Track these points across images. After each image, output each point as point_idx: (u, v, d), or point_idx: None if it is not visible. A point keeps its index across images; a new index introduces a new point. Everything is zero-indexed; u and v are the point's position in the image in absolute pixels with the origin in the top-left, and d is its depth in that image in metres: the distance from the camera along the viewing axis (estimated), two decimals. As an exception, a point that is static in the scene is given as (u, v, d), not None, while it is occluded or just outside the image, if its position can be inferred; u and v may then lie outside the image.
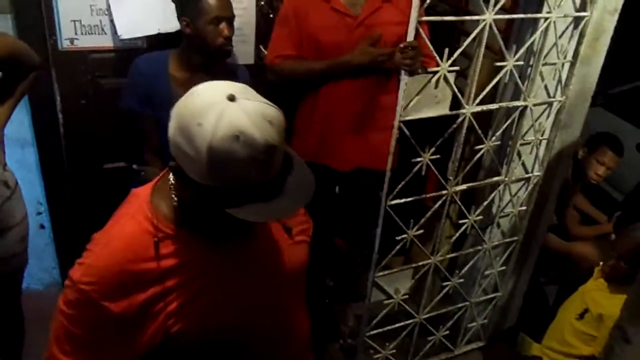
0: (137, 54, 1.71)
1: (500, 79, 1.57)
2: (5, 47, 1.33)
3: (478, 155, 1.69)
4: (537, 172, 1.85)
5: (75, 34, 1.80)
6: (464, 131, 1.58)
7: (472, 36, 1.43)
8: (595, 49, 1.67)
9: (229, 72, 1.67)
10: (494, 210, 1.89)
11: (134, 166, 1.89)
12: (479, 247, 1.90)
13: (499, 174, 1.79)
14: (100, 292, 0.78)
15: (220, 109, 0.70)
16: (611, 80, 3.04)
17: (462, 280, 1.90)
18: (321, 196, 1.97)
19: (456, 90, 1.49)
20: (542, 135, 1.78)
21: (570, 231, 2.38)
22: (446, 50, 1.42)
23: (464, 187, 1.71)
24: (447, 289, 1.89)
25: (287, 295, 0.98)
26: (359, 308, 1.97)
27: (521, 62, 1.59)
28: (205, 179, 0.72)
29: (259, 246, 0.90)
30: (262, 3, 1.94)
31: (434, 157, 1.54)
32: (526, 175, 1.85)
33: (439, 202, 1.66)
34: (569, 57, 1.66)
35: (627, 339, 1.10)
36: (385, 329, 1.84)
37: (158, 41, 1.80)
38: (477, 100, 1.55)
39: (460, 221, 1.79)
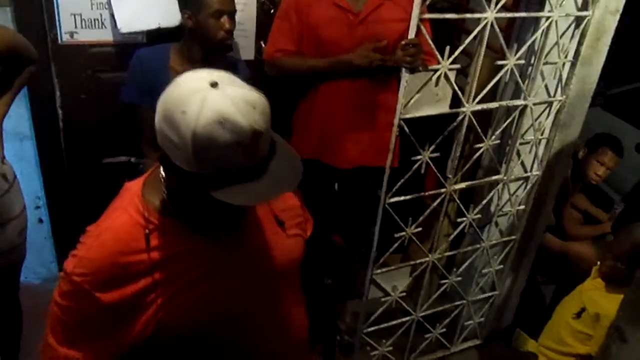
0: (137, 48, 1.71)
1: (500, 77, 1.57)
2: (5, 40, 1.33)
3: (477, 154, 1.69)
4: (536, 172, 1.85)
5: (75, 27, 1.80)
6: (464, 130, 1.58)
7: (473, 34, 1.43)
8: (596, 49, 1.67)
9: (230, 66, 1.67)
10: (492, 209, 1.89)
11: (132, 159, 1.90)
12: (477, 246, 1.91)
13: (498, 173, 1.79)
14: (92, 283, 0.80)
15: (203, 96, 0.70)
16: (610, 81, 3.04)
17: (459, 278, 1.91)
18: (320, 193, 1.99)
19: (457, 88, 1.49)
20: (541, 135, 1.78)
21: (568, 231, 2.38)
22: (447, 48, 1.41)
23: (463, 185, 1.71)
24: (444, 287, 1.90)
25: (280, 288, 0.98)
26: (356, 305, 1.97)
27: (522, 61, 1.59)
28: (191, 166, 0.72)
29: (250, 239, 0.91)
30: (263, -2, 1.94)
31: (434, 155, 1.54)
32: (525, 175, 1.85)
33: (438, 200, 1.66)
34: (570, 56, 1.66)
35: (624, 338, 1.11)
36: (382, 326, 1.84)
37: (158, 36, 1.80)
38: (478, 99, 1.54)
39: (459, 219, 1.79)
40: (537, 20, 1.58)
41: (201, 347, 0.90)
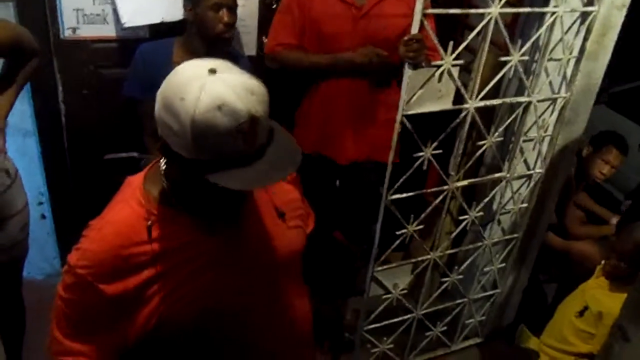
0: (139, 44, 1.71)
1: (504, 74, 1.55)
2: (7, 33, 1.33)
3: (480, 151, 1.67)
4: (539, 169, 1.84)
5: (78, 23, 1.80)
6: (466, 126, 1.57)
7: (477, 30, 1.42)
8: (601, 45, 1.65)
9: (232, 60, 1.66)
10: (494, 206, 1.88)
11: (135, 154, 1.90)
12: (479, 244, 1.90)
13: (500, 171, 1.78)
14: (95, 275, 0.80)
15: (201, 83, 0.71)
16: (615, 78, 3.01)
17: (461, 276, 1.90)
18: (321, 189, 1.98)
19: (460, 84, 1.48)
20: (545, 132, 1.77)
21: (571, 230, 2.37)
22: (450, 44, 1.40)
23: (465, 182, 1.70)
24: (445, 285, 1.89)
25: (281, 279, 0.98)
26: (357, 302, 1.97)
27: (526, 57, 1.57)
28: (191, 152, 0.73)
29: (251, 230, 0.91)
30: (265, -6, 1.93)
31: (436, 152, 1.53)
32: (528, 172, 1.84)
33: (440, 198, 1.65)
34: (575, 52, 1.64)
35: (627, 337, 1.10)
36: (383, 323, 1.84)
37: (160, 31, 1.79)
38: (481, 96, 1.53)
39: (461, 217, 1.78)
40: (541, 15, 1.56)
41: (203, 340, 0.90)
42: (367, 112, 1.79)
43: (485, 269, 1.98)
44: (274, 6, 1.93)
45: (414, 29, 1.36)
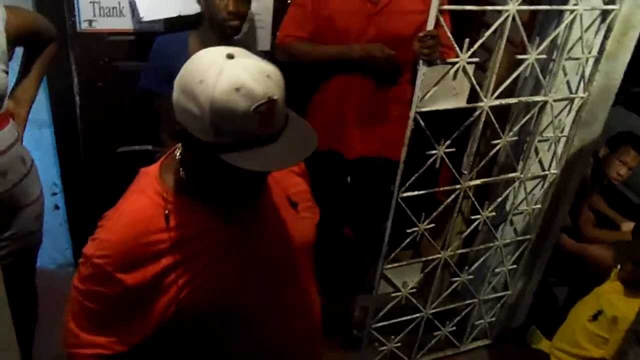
0: (155, 37, 1.71)
1: (520, 72, 1.53)
2: (23, 19, 1.34)
3: (494, 151, 1.65)
4: (554, 170, 1.81)
5: (94, 15, 1.81)
6: (480, 125, 1.55)
7: (493, 27, 1.40)
8: (622, 45, 1.62)
9: None
10: (507, 207, 1.85)
11: (150, 147, 1.91)
12: (491, 244, 1.88)
13: (514, 171, 1.75)
14: (113, 264, 0.80)
15: (220, 66, 0.72)
16: (633, 79, 2.94)
17: (471, 276, 1.88)
18: (332, 186, 1.98)
19: (474, 82, 1.46)
20: (561, 133, 1.74)
21: (584, 233, 2.33)
22: (466, 41, 1.39)
23: (478, 182, 1.68)
24: (456, 284, 1.87)
25: (297, 269, 0.98)
26: (366, 300, 1.97)
27: (543, 56, 1.54)
28: (209, 135, 0.73)
29: (267, 219, 0.92)
30: (280, -12, 1.93)
31: (449, 150, 1.51)
32: (543, 173, 1.81)
33: (452, 197, 1.63)
34: (594, 52, 1.61)
35: (641, 343, 1.08)
36: (391, 322, 1.83)
37: (175, 25, 1.80)
38: (496, 94, 1.51)
39: (473, 217, 1.76)
40: (560, 13, 1.54)
41: (219, 328, 0.90)
42: (378, 108, 1.78)
43: (496, 270, 1.96)
44: (289, 1, 1.92)
45: (430, 25, 1.35)
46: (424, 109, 1.44)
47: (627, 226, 2.32)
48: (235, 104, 0.71)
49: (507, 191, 1.78)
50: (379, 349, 1.89)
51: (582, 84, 1.68)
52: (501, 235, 1.88)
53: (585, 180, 2.27)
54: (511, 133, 1.64)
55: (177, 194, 0.84)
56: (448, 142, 1.50)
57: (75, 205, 2.13)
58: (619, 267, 1.66)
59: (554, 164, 1.81)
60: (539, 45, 1.49)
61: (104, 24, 1.83)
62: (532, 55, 1.49)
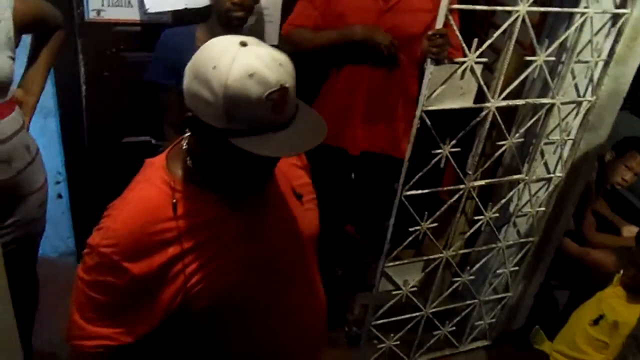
0: (162, 28, 1.71)
1: (528, 74, 1.52)
2: (31, 8, 1.34)
3: (500, 152, 1.65)
4: (559, 173, 1.80)
5: (102, 5, 1.81)
6: (487, 126, 1.54)
7: (503, 27, 1.39)
8: (632, 49, 1.61)
9: None
10: (511, 208, 1.85)
11: (153, 141, 1.91)
12: (493, 246, 1.87)
13: (519, 172, 1.75)
14: (120, 253, 0.80)
15: (233, 53, 0.73)
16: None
17: (472, 277, 1.88)
18: (336, 182, 1.97)
19: (482, 83, 1.46)
20: (567, 136, 1.73)
21: (587, 237, 2.32)
22: (475, 41, 1.38)
23: (482, 182, 1.68)
24: (457, 284, 1.87)
25: (304, 259, 0.99)
26: (366, 297, 1.97)
27: (552, 58, 1.54)
28: (222, 121, 0.74)
29: (274, 209, 0.92)
30: (290, -18, 1.92)
31: (454, 149, 1.51)
32: (547, 176, 1.80)
33: (456, 197, 1.63)
34: (604, 55, 1.60)
35: (642, 348, 1.08)
36: (391, 319, 1.83)
37: (183, 17, 1.80)
38: (503, 95, 1.50)
39: (476, 217, 1.76)
40: (571, 16, 1.52)
41: (226, 318, 0.90)
42: (384, 105, 1.78)
43: (498, 272, 1.96)
44: (298, -5, 1.91)
45: (439, 24, 1.34)
46: (430, 108, 1.44)
47: (628, 230, 2.32)
48: (248, 90, 0.71)
49: (512, 193, 1.78)
50: (378, 347, 1.89)
51: (590, 88, 1.67)
52: (504, 237, 1.87)
53: (590, 185, 2.26)
54: (517, 135, 1.63)
55: (185, 183, 0.84)
56: (453, 142, 1.50)
57: (78, 194, 2.13)
58: (621, 272, 1.66)
59: (559, 167, 1.80)
60: (548, 47, 1.48)
61: (111, 14, 1.83)
62: (541, 57, 1.48)
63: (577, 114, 1.71)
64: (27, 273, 1.61)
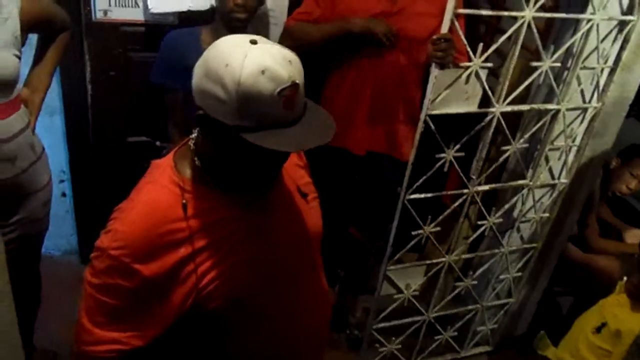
0: (168, 29, 1.72)
1: (533, 80, 1.52)
2: (38, 7, 1.35)
3: (504, 157, 1.64)
4: (563, 179, 1.79)
5: (109, 5, 1.82)
6: (491, 130, 1.54)
7: (508, 33, 1.39)
8: (638, 56, 1.60)
9: None
10: (515, 214, 1.84)
11: (157, 142, 1.91)
12: (496, 251, 1.87)
13: (523, 178, 1.74)
14: (131, 255, 0.79)
15: (244, 50, 0.74)
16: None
17: (475, 282, 1.87)
18: (339, 183, 1.97)
19: (487, 87, 1.45)
20: (573, 142, 1.73)
21: (590, 243, 2.31)
22: (480, 45, 1.38)
23: (486, 187, 1.67)
24: (459, 289, 1.87)
25: (311, 257, 0.99)
26: (368, 300, 1.96)
27: (558, 64, 1.53)
28: (234, 118, 0.74)
29: (281, 207, 0.93)
30: (295, -16, 1.92)
31: (458, 154, 1.50)
32: (552, 182, 1.80)
33: (459, 201, 1.63)
34: (610, 62, 1.60)
35: (645, 357, 1.07)
36: (392, 323, 1.83)
37: (189, 18, 1.80)
38: (508, 100, 1.50)
39: (479, 222, 1.75)
40: (577, 22, 1.52)
41: (237, 320, 0.90)
42: (388, 109, 1.78)
43: (501, 277, 1.95)
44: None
45: (444, 29, 1.34)
46: (434, 112, 1.44)
47: (631, 235, 2.30)
48: (261, 87, 0.72)
49: (515, 198, 1.77)
50: (379, 350, 1.89)
51: (596, 94, 1.66)
52: (507, 242, 1.87)
53: (593, 191, 2.25)
54: (522, 140, 1.63)
55: (194, 183, 0.84)
56: (457, 146, 1.49)
57: (82, 193, 2.14)
58: (624, 279, 1.65)
59: (564, 173, 1.79)
60: (553, 53, 1.48)
61: (118, 14, 1.84)
62: (547, 63, 1.48)
63: (582, 121, 1.70)
64: (29, 271, 1.62)
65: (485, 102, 1.49)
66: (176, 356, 0.94)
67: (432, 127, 1.44)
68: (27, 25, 1.30)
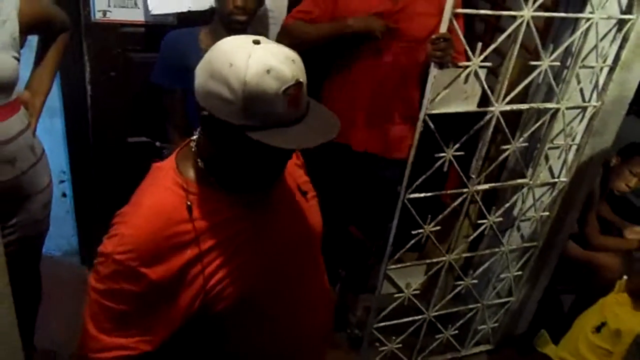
0: (168, 30, 1.72)
1: (533, 79, 1.52)
2: (38, 9, 1.35)
3: (504, 156, 1.64)
4: (563, 178, 1.79)
5: (109, 6, 1.81)
6: (490, 130, 1.54)
7: (507, 32, 1.39)
8: (638, 55, 1.60)
9: None
10: (515, 213, 1.84)
11: (157, 143, 1.91)
12: (496, 250, 1.87)
13: (523, 177, 1.74)
14: (137, 259, 0.78)
15: (248, 50, 0.75)
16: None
17: (475, 281, 1.87)
18: (338, 181, 1.96)
19: (486, 87, 1.45)
20: (572, 141, 1.73)
21: (591, 241, 2.31)
22: (479, 45, 1.37)
23: (486, 186, 1.67)
24: (460, 288, 1.87)
25: (313, 256, 1.00)
26: (368, 299, 1.96)
27: (557, 63, 1.53)
28: (240, 118, 0.75)
29: (285, 206, 0.93)
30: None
31: (458, 153, 1.50)
32: (552, 180, 1.80)
33: (459, 200, 1.63)
34: (609, 61, 1.60)
35: (645, 356, 1.07)
36: (393, 322, 1.83)
37: (188, 19, 1.80)
38: (507, 99, 1.50)
39: (479, 221, 1.75)
40: (576, 21, 1.52)
41: (244, 320, 0.90)
42: (389, 106, 1.78)
43: (501, 276, 1.95)
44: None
45: (443, 28, 1.34)
46: (434, 112, 1.44)
47: (631, 232, 2.30)
48: (266, 86, 0.73)
49: (515, 197, 1.77)
50: (379, 349, 1.89)
51: (595, 93, 1.66)
52: (507, 241, 1.87)
53: (593, 188, 2.25)
54: (521, 139, 1.63)
55: (198, 184, 0.84)
56: (457, 146, 1.49)
57: (82, 193, 2.14)
58: (624, 278, 1.65)
59: (563, 171, 1.79)
60: (552, 52, 1.48)
61: (117, 15, 1.84)
62: (546, 62, 1.48)
63: (582, 119, 1.70)
64: (30, 272, 1.62)
65: (484, 100, 1.49)
66: (177, 356, 0.94)
67: (432, 126, 1.45)
68: (26, 27, 1.30)
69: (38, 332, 1.69)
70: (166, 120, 1.74)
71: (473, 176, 1.61)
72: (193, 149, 0.86)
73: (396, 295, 1.77)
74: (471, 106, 1.48)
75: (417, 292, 1.78)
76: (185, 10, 1.79)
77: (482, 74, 1.43)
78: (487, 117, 1.51)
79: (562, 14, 1.51)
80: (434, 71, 1.39)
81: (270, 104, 0.74)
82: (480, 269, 1.88)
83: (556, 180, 1.80)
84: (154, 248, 0.79)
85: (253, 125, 0.75)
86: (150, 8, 1.77)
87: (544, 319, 2.16)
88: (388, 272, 1.71)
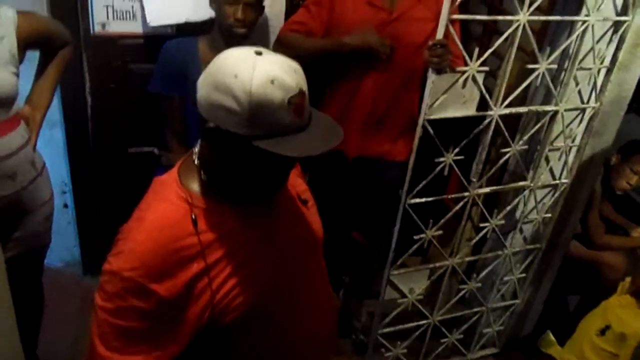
0: (166, 40, 1.73)
1: (531, 81, 1.52)
2: (36, 25, 1.36)
3: (504, 159, 1.64)
4: (564, 180, 1.79)
5: (107, 18, 1.83)
6: (490, 133, 1.54)
7: (503, 37, 1.39)
8: (635, 55, 1.60)
9: None
10: (517, 215, 1.84)
11: (155, 150, 1.92)
12: (499, 252, 1.86)
13: (524, 179, 1.74)
14: (145, 275, 0.78)
15: (252, 61, 0.75)
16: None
17: (479, 284, 1.87)
18: (339, 188, 1.96)
19: (484, 91, 1.46)
20: (572, 142, 1.73)
21: (595, 240, 2.30)
22: (476, 50, 1.38)
23: (487, 190, 1.67)
24: (464, 292, 1.86)
25: (316, 264, 1.00)
26: (373, 305, 1.96)
27: (554, 66, 1.53)
28: (244, 128, 0.75)
29: (288, 215, 0.94)
30: (292, -6, 1.93)
31: (458, 157, 1.50)
32: (553, 182, 1.80)
33: (461, 204, 1.63)
34: (606, 62, 1.60)
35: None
36: (397, 327, 1.83)
37: (187, 29, 1.81)
38: (506, 103, 1.50)
39: (482, 224, 1.75)
40: (572, 24, 1.52)
41: (252, 330, 0.90)
42: (389, 112, 1.78)
43: (505, 279, 1.95)
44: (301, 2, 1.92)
45: (439, 34, 1.35)
46: (432, 117, 1.44)
47: (637, 231, 2.30)
48: (271, 96, 0.74)
49: (517, 199, 1.77)
50: (384, 355, 1.88)
51: (593, 94, 1.66)
52: (510, 244, 1.86)
53: (595, 188, 2.24)
54: (521, 142, 1.63)
55: (202, 196, 0.84)
56: (457, 150, 1.50)
57: (84, 204, 2.14)
58: (626, 280, 1.64)
59: (564, 173, 1.79)
60: (550, 55, 1.48)
61: (116, 27, 1.85)
62: (543, 65, 1.48)
63: (581, 121, 1.70)
64: (32, 284, 1.62)
65: (483, 104, 1.50)
66: None
67: (431, 131, 1.45)
68: (25, 43, 1.31)
69: (41, 343, 1.69)
70: (164, 125, 1.75)
71: (474, 180, 1.61)
72: (195, 162, 0.86)
73: (400, 300, 1.77)
74: (470, 110, 1.48)
75: (421, 297, 1.78)
76: (183, 21, 1.80)
77: (480, 78, 1.43)
78: (486, 121, 1.51)
79: (558, 17, 1.51)
80: (431, 76, 1.39)
81: (275, 113, 0.74)
82: (484, 272, 1.88)
83: (557, 181, 1.79)
84: (161, 263, 0.79)
85: (257, 134, 0.75)
86: (148, 20, 1.79)
87: (549, 321, 2.15)
88: (391, 277, 1.71)
